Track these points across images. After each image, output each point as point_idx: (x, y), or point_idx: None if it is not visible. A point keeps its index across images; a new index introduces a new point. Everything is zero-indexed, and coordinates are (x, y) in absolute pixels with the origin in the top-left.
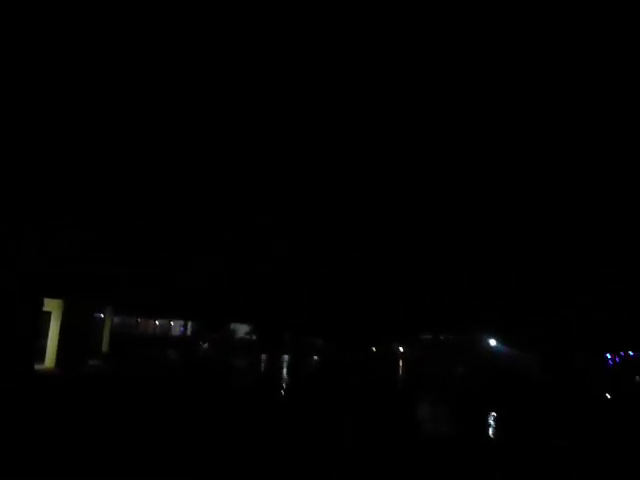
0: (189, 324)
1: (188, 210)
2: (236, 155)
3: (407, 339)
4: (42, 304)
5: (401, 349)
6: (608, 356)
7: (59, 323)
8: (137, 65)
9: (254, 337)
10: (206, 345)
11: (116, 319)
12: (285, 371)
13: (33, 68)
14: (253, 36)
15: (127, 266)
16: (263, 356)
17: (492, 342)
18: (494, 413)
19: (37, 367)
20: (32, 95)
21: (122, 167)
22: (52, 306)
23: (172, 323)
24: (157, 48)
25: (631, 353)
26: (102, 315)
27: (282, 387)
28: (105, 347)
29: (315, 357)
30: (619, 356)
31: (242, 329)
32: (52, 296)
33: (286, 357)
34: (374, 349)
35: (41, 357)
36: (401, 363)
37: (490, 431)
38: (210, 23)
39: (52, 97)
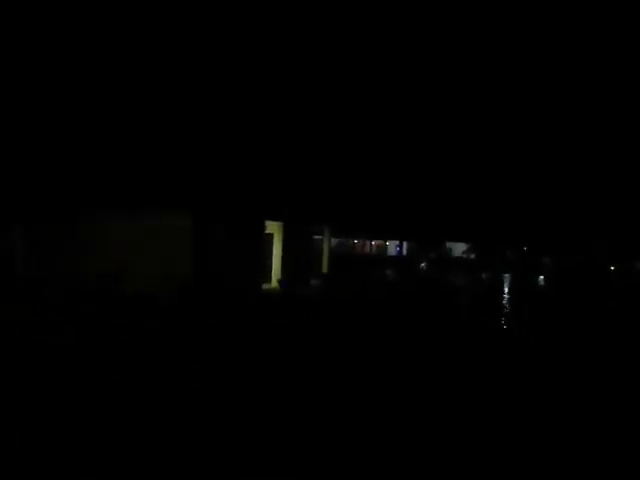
0: (404, 244)
1: None
2: None
3: None
4: (264, 226)
5: None
6: None
7: (281, 245)
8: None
9: (472, 256)
10: (423, 265)
11: (334, 241)
12: (507, 291)
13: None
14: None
15: (343, 188)
16: (483, 275)
17: None
18: None
19: (264, 286)
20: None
21: None
22: (273, 229)
23: (387, 243)
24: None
25: None
26: (321, 237)
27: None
28: (325, 267)
29: (540, 276)
30: None
31: (459, 248)
32: (273, 219)
33: (507, 276)
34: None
35: (267, 277)
36: None
37: None
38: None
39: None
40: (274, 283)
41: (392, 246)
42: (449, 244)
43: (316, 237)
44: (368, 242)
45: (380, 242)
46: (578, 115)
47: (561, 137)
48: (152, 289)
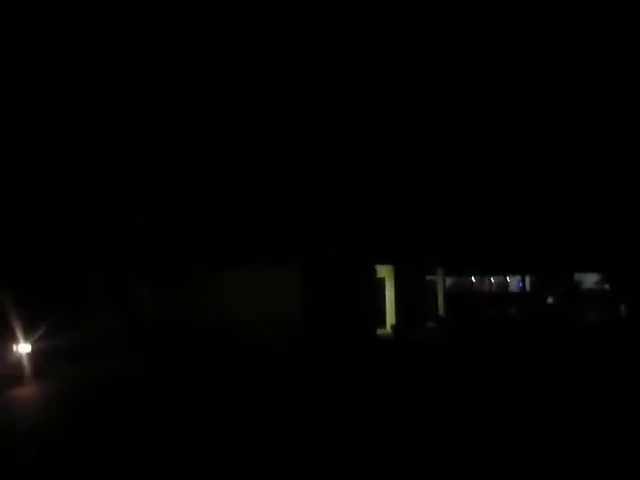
0: (527, 278)
1: None
2: None
3: None
4: (375, 271)
5: None
6: None
7: (393, 288)
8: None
9: (606, 286)
10: (550, 299)
11: (450, 280)
12: None
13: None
14: None
15: (452, 228)
16: (621, 307)
17: None
18: None
19: (378, 332)
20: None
21: None
22: (385, 272)
23: (508, 279)
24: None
25: None
26: (435, 277)
27: None
28: (440, 309)
29: None
30: None
31: (590, 278)
32: (384, 262)
33: None
34: None
35: (381, 322)
36: None
37: None
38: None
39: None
40: (388, 328)
41: (514, 281)
42: (578, 275)
43: (430, 277)
44: (487, 279)
45: (500, 278)
46: None
47: None
48: (264, 337)
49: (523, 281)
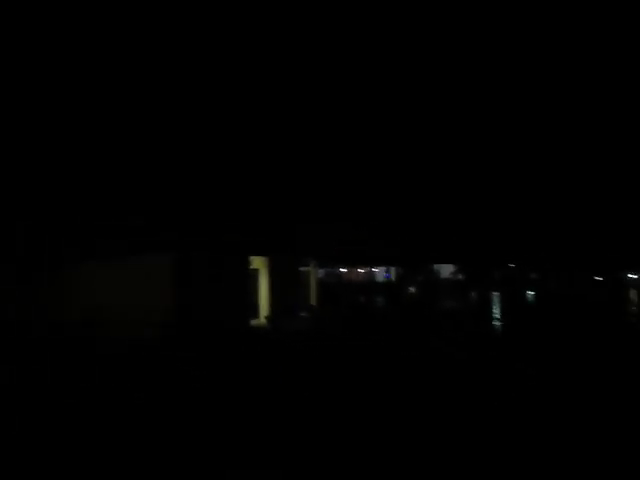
0: (393, 269)
1: None
2: None
3: None
4: (248, 262)
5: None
6: None
7: (267, 280)
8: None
9: (460, 276)
10: (412, 289)
11: (322, 271)
12: (495, 308)
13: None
14: None
15: (323, 221)
16: (472, 294)
17: None
18: None
19: (252, 322)
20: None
21: None
22: (259, 264)
23: (376, 270)
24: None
25: None
26: (308, 268)
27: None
28: (313, 299)
29: (531, 292)
30: None
31: (447, 269)
32: (257, 254)
33: (496, 294)
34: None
35: (254, 313)
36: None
37: None
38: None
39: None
40: (262, 319)
41: (381, 272)
42: (437, 266)
43: (303, 269)
44: (356, 270)
45: (368, 269)
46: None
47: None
48: (134, 330)
49: (389, 271)
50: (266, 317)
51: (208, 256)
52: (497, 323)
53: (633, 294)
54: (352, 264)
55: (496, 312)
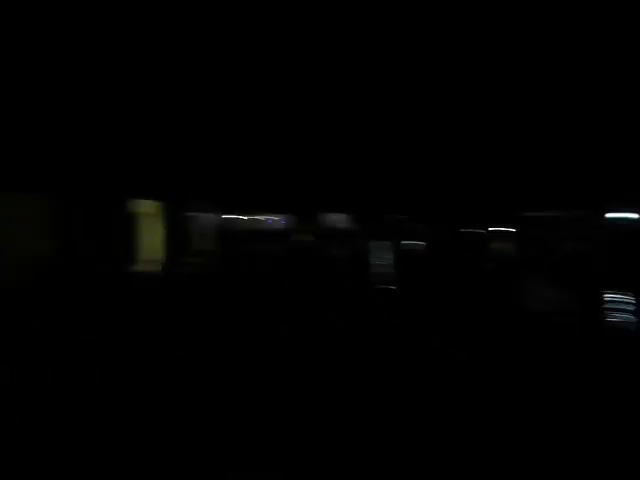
0: (288, 218)
1: None
2: None
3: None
4: (129, 206)
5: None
6: None
7: (160, 225)
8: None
9: (351, 225)
10: (304, 236)
11: (219, 218)
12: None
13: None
14: None
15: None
16: (361, 243)
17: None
18: None
19: (141, 267)
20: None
21: None
22: (150, 209)
23: (274, 218)
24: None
25: None
26: (206, 214)
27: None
28: (201, 245)
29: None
30: None
31: (339, 218)
32: (144, 197)
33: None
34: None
35: (136, 259)
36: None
37: None
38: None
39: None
40: (151, 264)
41: (280, 220)
42: (330, 215)
43: (197, 215)
44: (254, 218)
45: (265, 217)
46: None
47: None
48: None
49: (286, 220)
50: (159, 262)
51: (87, 199)
52: (377, 269)
53: (497, 248)
54: (249, 211)
55: (378, 259)
